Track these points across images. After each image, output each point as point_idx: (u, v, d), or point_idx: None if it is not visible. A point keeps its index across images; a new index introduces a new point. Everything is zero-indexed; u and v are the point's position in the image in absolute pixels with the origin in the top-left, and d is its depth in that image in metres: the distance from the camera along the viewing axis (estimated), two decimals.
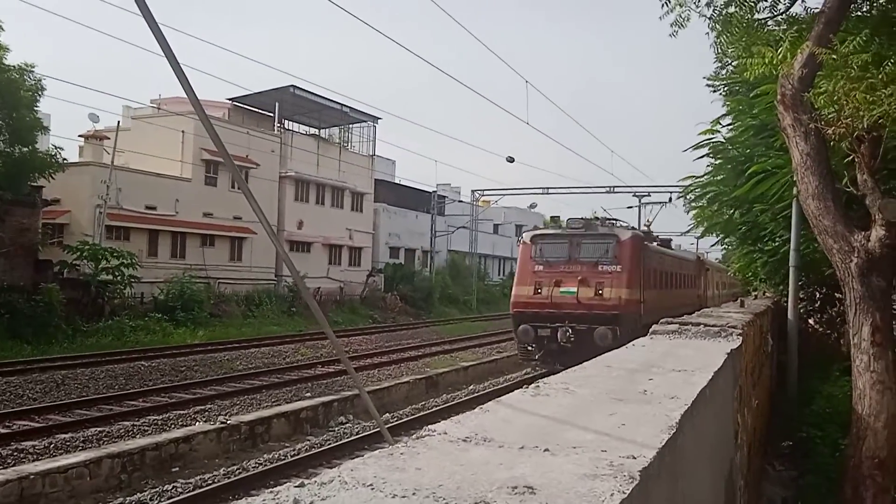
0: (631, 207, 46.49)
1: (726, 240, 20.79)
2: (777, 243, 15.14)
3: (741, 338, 5.57)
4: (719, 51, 7.61)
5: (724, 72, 13.58)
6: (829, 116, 6.12)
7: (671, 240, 31.68)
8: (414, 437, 2.15)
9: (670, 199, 40.89)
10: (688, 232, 28.98)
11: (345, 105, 41.95)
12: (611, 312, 18.90)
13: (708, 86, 14.81)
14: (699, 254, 39.39)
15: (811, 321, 18.93)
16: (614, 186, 44.37)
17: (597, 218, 24.49)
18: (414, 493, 1.62)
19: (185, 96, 3.18)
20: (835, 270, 6.69)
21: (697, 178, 16.70)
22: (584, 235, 20.23)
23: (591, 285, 19.29)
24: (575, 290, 19.24)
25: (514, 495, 1.62)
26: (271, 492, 1.57)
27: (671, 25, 7.16)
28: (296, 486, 1.62)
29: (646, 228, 30.55)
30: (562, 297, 19.41)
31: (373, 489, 1.64)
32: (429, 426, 2.27)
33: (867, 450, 6.17)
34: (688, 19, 6.98)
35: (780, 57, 6.41)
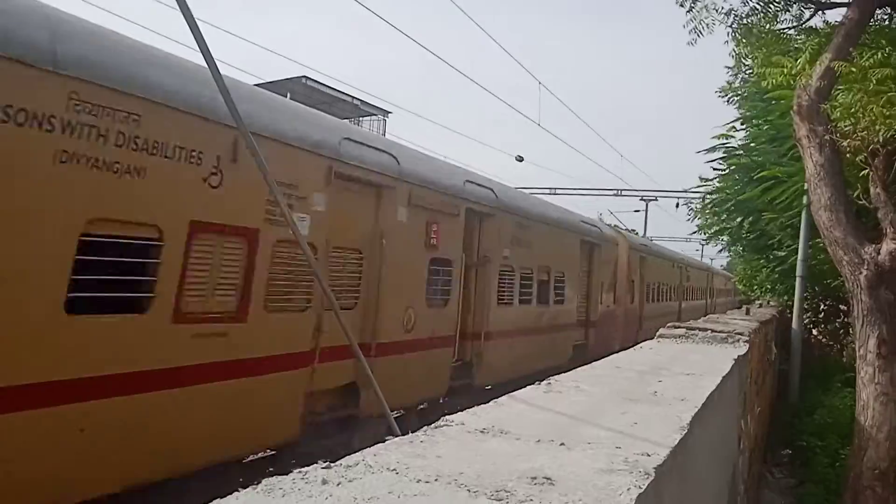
0: (638, 211, 46.47)
1: (732, 247, 20.81)
2: (784, 253, 15.15)
3: (748, 345, 5.61)
4: (737, 59, 7.64)
5: (737, 82, 13.61)
6: (845, 129, 6.15)
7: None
8: (432, 426, 2.20)
9: (678, 205, 40.83)
10: (693, 235, 26.39)
11: (356, 98, 41.97)
12: None
13: (720, 96, 14.83)
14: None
15: (815, 332, 18.93)
16: (622, 189, 44.33)
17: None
18: (436, 479, 1.66)
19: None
20: (842, 282, 6.71)
21: (707, 181, 16.74)
22: None
23: None
24: None
25: (533, 486, 1.67)
26: (300, 471, 1.62)
27: (690, 33, 7.20)
28: (323, 468, 1.67)
29: None
30: None
31: (397, 474, 1.68)
32: (446, 417, 2.32)
33: (868, 461, 6.21)
34: (709, 27, 7.02)
35: (798, 68, 6.44)
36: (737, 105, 14.90)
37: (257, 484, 1.53)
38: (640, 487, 1.70)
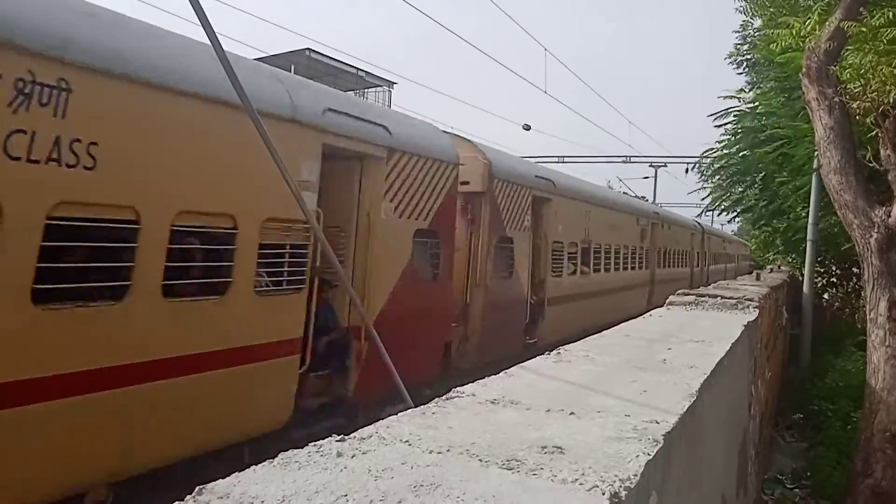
0: (647, 178, 46.16)
1: (745, 215, 20.72)
2: (795, 217, 15.09)
3: (758, 310, 5.62)
4: (744, 23, 7.57)
5: (745, 46, 13.47)
6: (855, 90, 6.08)
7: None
8: (444, 398, 2.24)
9: (687, 171, 40.60)
10: (704, 202, 26.71)
11: (360, 69, 41.64)
12: None
13: (729, 62, 14.71)
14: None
15: (826, 296, 18.90)
16: (631, 156, 44.01)
17: None
18: (448, 450, 1.70)
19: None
20: (853, 245, 6.69)
21: (717, 146, 16.62)
22: None
23: None
24: None
25: (544, 454, 1.70)
26: (314, 444, 1.66)
27: None
28: (337, 441, 1.70)
29: None
30: None
31: (409, 445, 1.72)
32: (457, 388, 2.36)
33: (879, 423, 6.24)
34: None
35: (808, 28, 6.34)
36: (744, 73, 14.78)
37: (273, 457, 1.57)
38: (648, 454, 1.73)
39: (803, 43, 6.60)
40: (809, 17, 6.46)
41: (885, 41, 5.56)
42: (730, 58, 14.64)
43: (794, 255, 19.12)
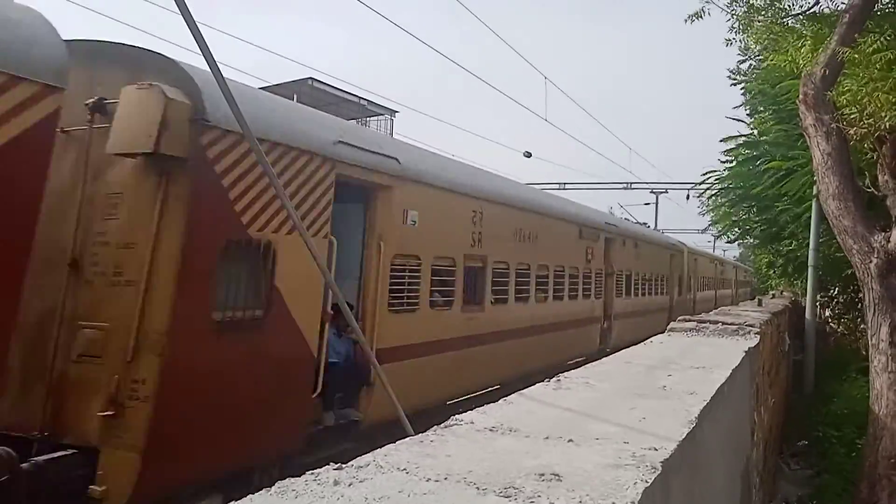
0: (648, 204, 46.24)
1: (744, 239, 20.75)
2: (796, 243, 15.09)
3: (759, 336, 5.61)
4: (741, 44, 7.66)
5: (745, 64, 13.63)
6: (851, 116, 6.13)
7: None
8: (442, 426, 2.23)
9: (688, 197, 40.67)
10: (705, 231, 26.77)
11: (363, 98, 42.00)
12: None
13: (730, 78, 14.86)
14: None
15: (830, 321, 18.83)
16: (632, 183, 44.13)
17: None
18: (446, 478, 1.70)
19: None
20: (854, 271, 6.69)
21: (712, 172, 16.70)
22: None
23: None
24: None
25: (541, 482, 1.70)
26: (312, 473, 1.66)
27: (687, 18, 7.24)
28: (334, 469, 1.70)
29: None
30: None
31: (407, 473, 1.72)
32: (455, 416, 2.35)
33: (884, 450, 6.19)
34: (708, 13, 7.04)
35: (803, 54, 6.42)
36: (742, 92, 14.92)
37: (270, 486, 1.57)
38: (646, 482, 1.73)
39: (799, 69, 6.67)
40: (804, 45, 6.54)
41: (878, 67, 5.63)
42: (730, 74, 14.79)
43: (796, 280, 19.10)
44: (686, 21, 7.19)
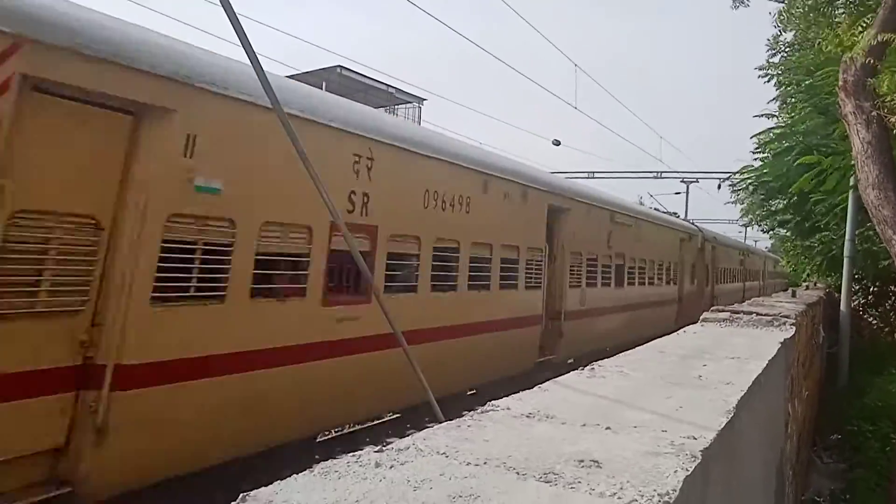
0: (679, 193, 45.66)
1: (778, 230, 20.42)
2: (832, 234, 14.81)
3: (794, 328, 5.53)
4: (774, 39, 7.57)
5: (777, 57, 13.37)
6: (893, 103, 5.98)
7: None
8: (479, 411, 2.24)
9: (719, 186, 40.05)
10: (737, 222, 26.43)
11: (391, 86, 42.01)
12: None
13: (760, 72, 14.63)
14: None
15: (865, 314, 18.48)
16: (662, 172, 43.61)
17: None
18: (485, 462, 1.71)
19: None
20: (891, 262, 6.55)
21: (747, 167, 16.44)
22: None
23: None
24: None
25: (581, 468, 1.70)
26: (353, 454, 1.68)
27: (732, 5, 7.15)
28: (375, 451, 1.72)
29: None
30: None
31: (447, 457, 1.73)
32: (492, 402, 2.36)
33: None
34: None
35: (846, 42, 6.28)
36: (776, 85, 14.65)
37: (313, 467, 1.59)
38: (687, 470, 1.72)
39: (842, 53, 6.52)
40: (843, 27, 6.40)
41: None
42: (760, 70, 14.53)
43: (830, 272, 18.75)
44: (732, 7, 7.11)
